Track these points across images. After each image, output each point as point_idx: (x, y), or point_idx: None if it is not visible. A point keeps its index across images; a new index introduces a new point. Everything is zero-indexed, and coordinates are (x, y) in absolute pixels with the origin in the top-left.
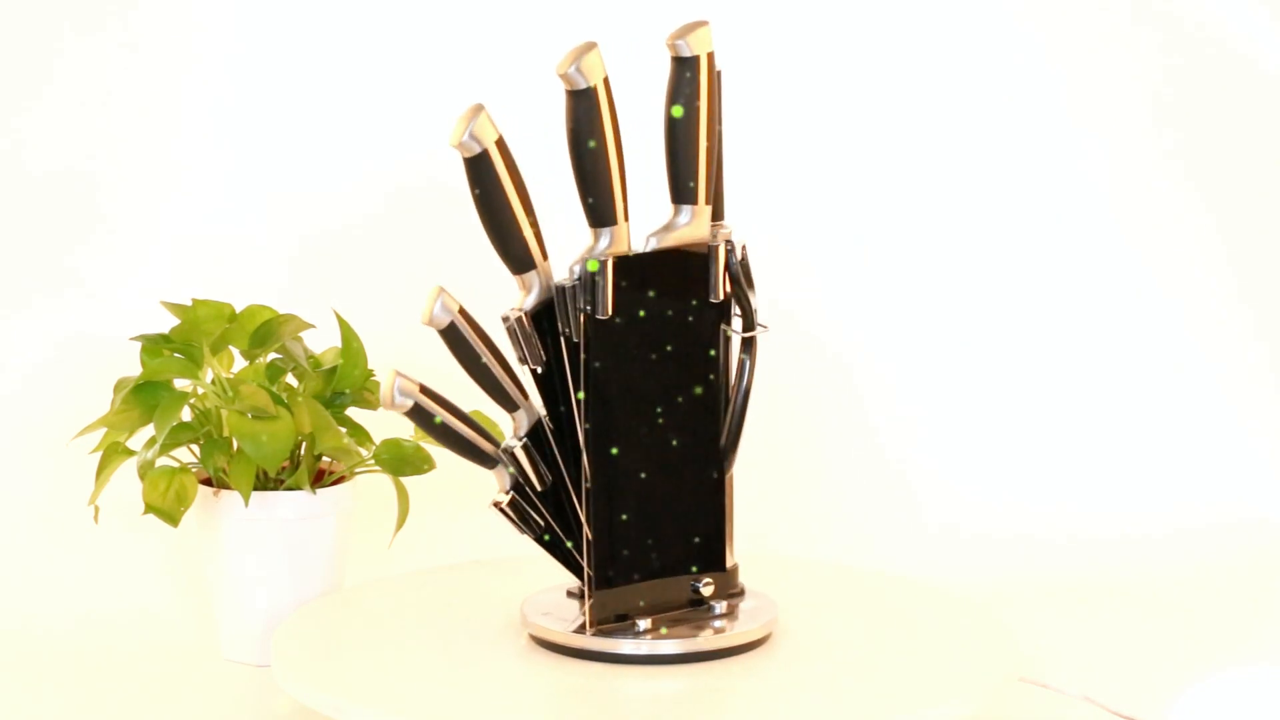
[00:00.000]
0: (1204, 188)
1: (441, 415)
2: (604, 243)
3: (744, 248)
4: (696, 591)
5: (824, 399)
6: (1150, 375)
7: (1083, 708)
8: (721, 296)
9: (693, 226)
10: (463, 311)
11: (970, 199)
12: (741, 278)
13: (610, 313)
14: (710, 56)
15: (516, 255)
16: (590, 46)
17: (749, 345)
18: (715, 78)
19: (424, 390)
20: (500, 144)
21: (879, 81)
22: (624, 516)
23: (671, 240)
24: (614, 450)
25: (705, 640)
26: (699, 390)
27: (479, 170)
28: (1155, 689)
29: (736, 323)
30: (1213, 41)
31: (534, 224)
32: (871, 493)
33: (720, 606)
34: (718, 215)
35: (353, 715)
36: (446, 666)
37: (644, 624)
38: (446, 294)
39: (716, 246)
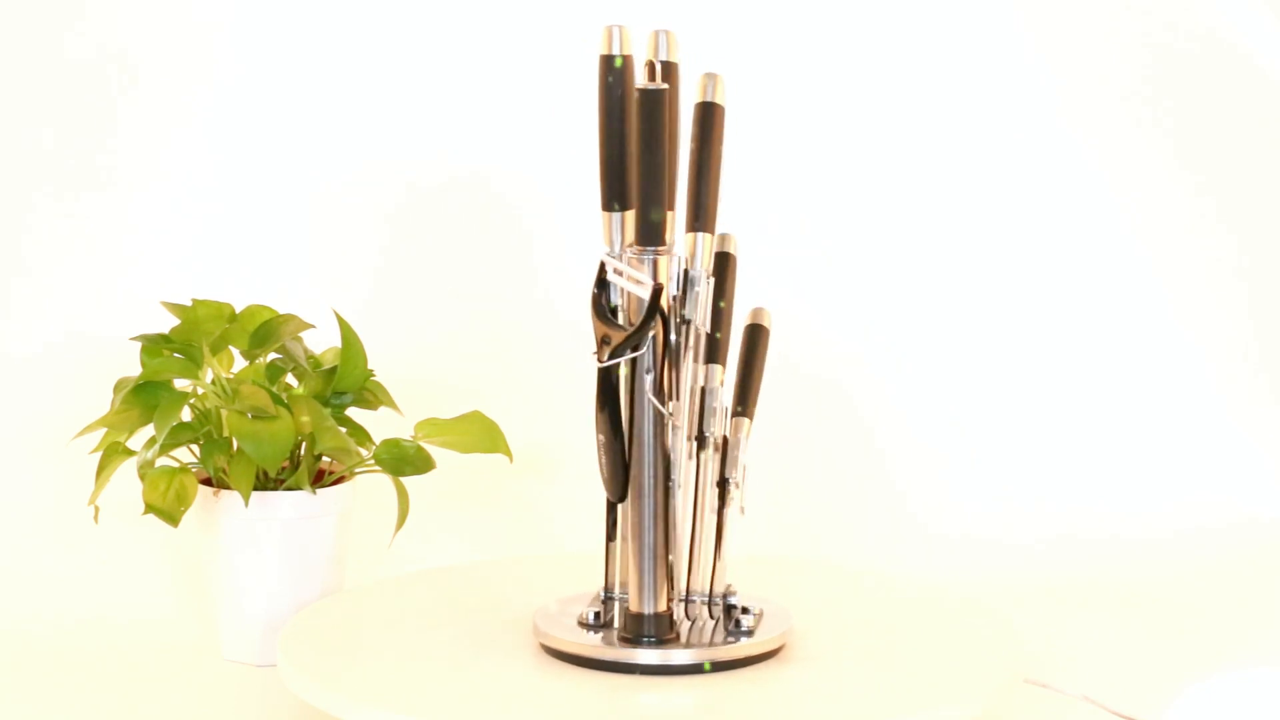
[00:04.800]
0: (1204, 187)
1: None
2: None
3: (607, 266)
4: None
5: (826, 403)
6: (1150, 375)
7: (1083, 708)
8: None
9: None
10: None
11: (967, 200)
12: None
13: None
14: (603, 60)
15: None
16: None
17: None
18: (611, 85)
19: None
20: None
21: (878, 82)
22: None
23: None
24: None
25: (720, 651)
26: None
27: None
28: (1155, 689)
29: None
30: (1213, 41)
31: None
32: (873, 496)
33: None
34: (703, 227)
35: (365, 717)
36: (456, 668)
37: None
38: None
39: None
